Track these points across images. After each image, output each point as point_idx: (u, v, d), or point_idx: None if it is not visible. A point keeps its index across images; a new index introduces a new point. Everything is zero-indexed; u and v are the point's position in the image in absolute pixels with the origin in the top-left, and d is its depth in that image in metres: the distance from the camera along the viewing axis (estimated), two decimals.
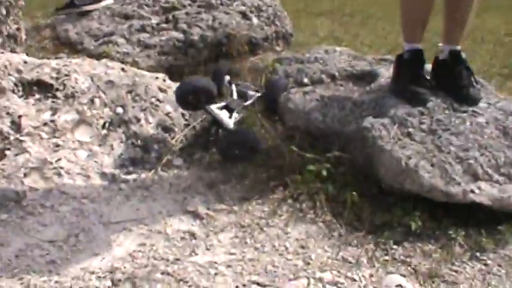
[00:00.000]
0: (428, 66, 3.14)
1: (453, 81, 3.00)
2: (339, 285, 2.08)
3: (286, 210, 2.62)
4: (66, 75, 3.17)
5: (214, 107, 3.01)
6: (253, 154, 2.88)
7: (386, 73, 3.26)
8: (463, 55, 3.04)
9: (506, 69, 5.13)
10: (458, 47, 3.04)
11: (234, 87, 3.25)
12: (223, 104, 3.05)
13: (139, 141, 3.02)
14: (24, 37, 3.75)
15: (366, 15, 7.80)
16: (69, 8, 4.31)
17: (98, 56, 3.72)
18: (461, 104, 2.94)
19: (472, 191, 2.51)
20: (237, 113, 3.07)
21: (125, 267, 2.19)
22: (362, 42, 5.93)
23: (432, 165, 2.56)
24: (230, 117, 3.02)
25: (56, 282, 2.12)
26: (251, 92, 3.26)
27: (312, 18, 7.30)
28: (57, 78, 3.15)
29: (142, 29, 4.05)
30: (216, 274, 2.17)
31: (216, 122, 3.02)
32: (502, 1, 9.47)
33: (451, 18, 3.05)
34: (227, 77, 3.31)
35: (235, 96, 3.20)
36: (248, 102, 3.20)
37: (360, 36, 6.29)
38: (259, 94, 3.26)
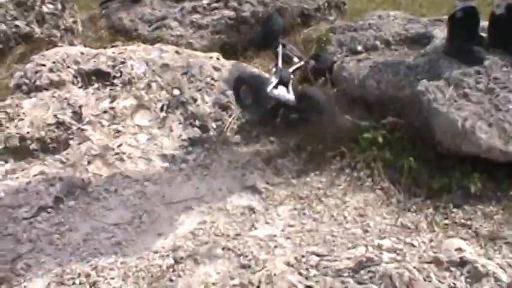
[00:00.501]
0: (485, 24, 3.08)
1: (511, 37, 2.93)
2: (398, 251, 2.07)
3: (344, 180, 2.63)
4: (122, 62, 3.25)
5: (272, 89, 3.01)
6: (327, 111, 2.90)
7: (441, 34, 3.22)
8: None
9: None
10: None
11: (280, 50, 3.22)
12: (276, 80, 3.05)
13: (197, 121, 3.07)
14: (81, 29, 3.87)
15: None
16: (113, 0, 4.40)
17: (153, 41, 3.79)
18: None
19: None
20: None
21: (187, 245, 2.25)
22: (421, 4, 5.82)
23: (490, 125, 2.52)
24: (288, 91, 3.03)
25: (122, 263, 2.20)
26: (296, 59, 3.24)
27: None
28: (113, 66, 3.23)
29: (194, 10, 4.11)
30: (275, 247, 2.20)
31: (282, 103, 3.02)
32: None
33: None
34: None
35: (280, 62, 3.18)
36: (293, 68, 3.19)
37: None
38: (303, 62, 3.24)
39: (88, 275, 2.14)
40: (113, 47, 3.67)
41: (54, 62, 3.20)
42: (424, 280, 1.90)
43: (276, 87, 3.03)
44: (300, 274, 1.96)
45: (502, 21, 2.97)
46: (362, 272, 1.92)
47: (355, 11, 4.83)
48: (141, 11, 4.19)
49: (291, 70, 3.15)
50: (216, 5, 4.11)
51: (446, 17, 3.17)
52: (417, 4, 5.77)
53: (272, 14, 3.43)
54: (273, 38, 3.20)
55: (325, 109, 2.86)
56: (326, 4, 4.18)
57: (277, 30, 3.25)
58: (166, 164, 2.85)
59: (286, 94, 3.01)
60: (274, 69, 3.12)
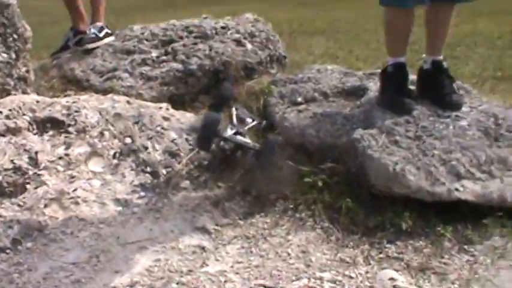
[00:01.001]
0: (414, 77, 3.37)
1: (436, 90, 3.23)
2: (338, 282, 2.29)
3: (287, 220, 2.84)
4: (76, 111, 3.41)
5: (231, 135, 3.21)
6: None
7: (374, 87, 3.49)
8: (445, 64, 3.28)
9: (499, 72, 5.33)
10: (441, 57, 3.27)
11: (234, 111, 3.46)
12: (234, 130, 3.26)
13: (148, 168, 3.24)
14: (33, 78, 3.98)
15: (359, 30, 8.03)
16: (64, 51, 4.55)
17: (104, 91, 3.94)
18: (444, 110, 3.17)
19: (457, 189, 2.75)
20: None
21: (143, 281, 2.41)
22: (357, 57, 6.14)
23: (418, 168, 2.79)
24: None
25: None
26: (249, 119, 3.47)
27: (307, 38, 7.52)
28: (68, 115, 3.38)
29: (144, 63, 4.28)
30: (225, 281, 2.39)
31: (240, 146, 3.22)
32: (492, 5, 9.69)
33: (432, 32, 3.29)
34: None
35: (235, 120, 3.41)
36: (247, 127, 3.41)
37: (355, 51, 6.51)
38: (256, 122, 3.47)
39: None
40: (65, 96, 3.82)
41: (10, 110, 3.33)
42: None
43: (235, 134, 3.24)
44: None
45: (429, 75, 3.27)
46: None
47: (295, 63, 5.08)
48: (92, 62, 4.34)
49: (246, 128, 3.38)
50: (164, 57, 4.30)
51: (379, 70, 3.45)
52: (353, 58, 6.09)
53: (223, 82, 3.65)
54: (225, 103, 3.41)
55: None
56: (268, 58, 4.41)
57: (228, 96, 3.47)
58: (120, 208, 3.00)
59: (244, 139, 3.22)
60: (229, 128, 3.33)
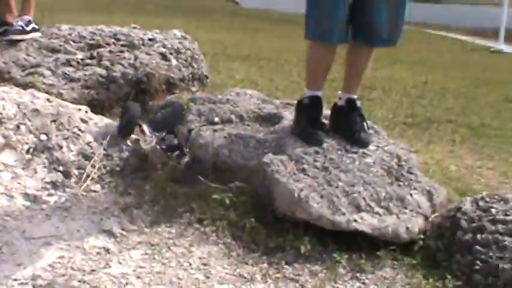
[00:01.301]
0: (327, 112, 3.54)
1: (347, 126, 3.41)
2: None
3: (192, 233, 2.93)
4: None
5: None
6: None
7: (290, 116, 3.63)
8: (358, 103, 3.46)
9: (410, 118, 5.60)
10: (355, 96, 3.45)
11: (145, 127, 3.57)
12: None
13: (61, 167, 3.27)
14: None
15: (282, 61, 8.23)
16: None
17: (25, 86, 3.93)
18: (352, 146, 3.35)
19: (355, 221, 2.91)
20: None
21: (45, 275, 2.45)
22: (277, 87, 6.29)
23: (321, 197, 2.94)
24: None
25: None
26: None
27: (230, 62, 7.65)
28: None
29: (68, 63, 4.30)
30: (127, 284, 2.46)
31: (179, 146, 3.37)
32: (409, 56, 10.14)
33: (349, 71, 3.48)
34: None
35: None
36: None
37: (275, 81, 6.67)
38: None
39: None
40: None
41: None
42: None
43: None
44: None
45: (342, 111, 3.45)
46: None
47: (215, 85, 5.21)
48: (15, 55, 4.31)
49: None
50: (89, 61, 4.34)
51: (296, 101, 3.60)
52: (273, 87, 6.24)
53: (129, 104, 3.74)
54: (133, 124, 3.56)
55: None
56: (190, 76, 4.52)
57: (136, 117, 3.61)
58: (28, 203, 3.02)
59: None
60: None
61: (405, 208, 3.04)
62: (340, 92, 3.50)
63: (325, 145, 3.30)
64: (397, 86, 7.25)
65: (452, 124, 5.59)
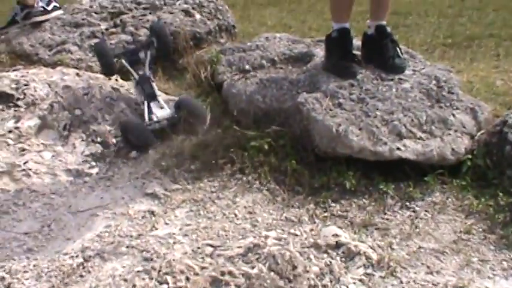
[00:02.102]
0: (358, 43, 3.44)
1: (380, 54, 3.31)
2: (282, 240, 2.37)
3: (235, 184, 2.91)
4: (25, 84, 3.42)
5: (150, 123, 3.35)
6: None
7: (321, 53, 3.55)
8: (388, 29, 3.34)
9: (449, 39, 5.41)
10: (384, 22, 3.34)
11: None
12: (146, 103, 3.41)
13: (98, 138, 3.28)
14: None
15: (313, 0, 8.07)
16: (12, 25, 4.53)
17: (54, 65, 3.95)
18: (388, 73, 3.25)
19: (398, 148, 2.83)
20: None
21: (94, 246, 2.47)
22: (310, 27, 6.16)
23: (360, 129, 2.87)
24: (160, 105, 3.43)
25: (34, 266, 2.39)
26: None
27: (260, 9, 7.52)
28: (17, 89, 3.40)
29: (93, 35, 4.28)
30: (174, 243, 2.45)
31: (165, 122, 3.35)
32: None
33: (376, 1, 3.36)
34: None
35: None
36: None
37: (308, 21, 6.54)
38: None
39: (3, 278, 2.32)
40: (14, 70, 3.82)
41: None
42: (304, 260, 2.21)
43: (150, 112, 3.34)
44: (196, 259, 2.23)
45: (372, 40, 3.34)
46: (250, 254, 2.21)
47: (247, 34, 5.12)
48: (41, 36, 4.33)
49: (147, 72, 3.53)
50: (113, 30, 4.32)
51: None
52: (306, 27, 6.13)
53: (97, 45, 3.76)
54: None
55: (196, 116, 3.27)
56: (217, 28, 4.45)
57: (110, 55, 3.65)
58: (71, 178, 3.05)
59: (160, 111, 3.34)
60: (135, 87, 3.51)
61: (449, 129, 2.95)
62: (368, 21, 3.39)
63: (359, 76, 3.23)
64: (432, 8, 7.01)
65: (495, 38, 5.36)
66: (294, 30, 5.48)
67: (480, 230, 2.55)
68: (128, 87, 3.57)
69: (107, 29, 4.34)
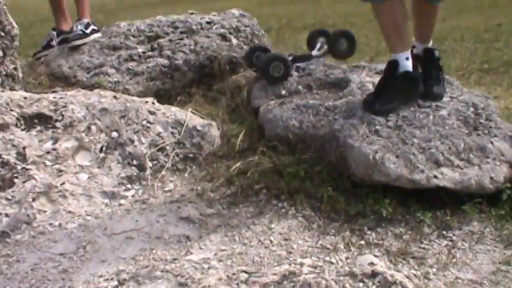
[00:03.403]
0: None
1: (423, 77, 3.26)
2: (318, 267, 2.35)
3: (270, 209, 2.90)
4: (64, 106, 3.46)
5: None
6: None
7: (357, 78, 3.55)
8: (437, 53, 3.31)
9: (486, 64, 5.39)
10: (430, 44, 3.30)
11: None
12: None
13: (134, 161, 3.29)
14: (21, 75, 4.03)
15: (348, 25, 8.08)
16: (47, 50, 4.61)
17: (91, 87, 3.99)
18: (425, 99, 3.22)
19: (436, 177, 2.81)
20: None
21: (129, 269, 2.47)
22: None
23: (397, 156, 2.85)
24: None
25: (69, 287, 2.40)
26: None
27: (295, 33, 7.58)
28: (55, 110, 3.43)
29: (130, 58, 4.34)
30: (209, 268, 2.45)
31: None
32: (481, 1, 9.75)
33: (419, 21, 3.32)
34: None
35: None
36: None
37: None
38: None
39: None
40: (53, 92, 3.87)
41: None
42: None
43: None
44: (231, 286, 2.22)
45: (418, 59, 3.28)
46: (285, 282, 2.20)
47: None
48: (79, 59, 4.39)
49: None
50: (150, 53, 4.37)
51: (363, 62, 3.50)
52: None
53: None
54: None
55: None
56: None
57: None
58: (107, 200, 3.06)
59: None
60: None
61: (487, 157, 2.91)
62: (414, 40, 3.36)
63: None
64: (468, 33, 6.99)
65: None
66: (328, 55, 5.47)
67: None
68: (164, 111, 3.58)
69: (144, 52, 4.39)
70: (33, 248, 2.70)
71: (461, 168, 2.86)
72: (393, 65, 3.11)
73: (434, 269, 2.46)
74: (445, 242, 2.64)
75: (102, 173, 3.22)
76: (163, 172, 3.27)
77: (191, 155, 3.38)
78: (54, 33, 4.60)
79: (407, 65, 3.10)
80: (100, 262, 2.57)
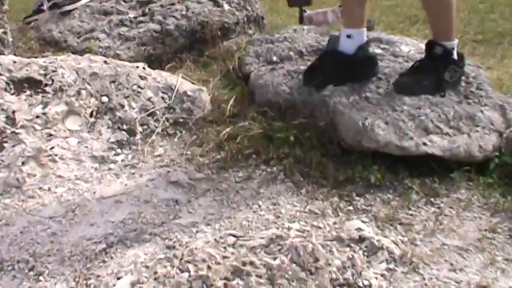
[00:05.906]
0: None
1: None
2: (305, 232, 2.35)
3: (259, 174, 2.90)
4: (54, 71, 3.43)
5: None
6: None
7: None
8: (437, 49, 3.14)
9: (480, 35, 5.37)
10: (437, 41, 3.17)
11: None
12: None
13: (124, 126, 3.29)
14: (10, 39, 4.00)
15: None
16: (37, 14, 4.57)
17: (82, 52, 3.97)
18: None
19: (425, 144, 2.81)
20: None
21: (117, 232, 2.48)
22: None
23: (386, 123, 2.85)
24: None
25: (58, 250, 2.40)
26: None
27: None
28: (45, 75, 3.41)
29: (121, 23, 4.31)
30: (197, 232, 2.46)
31: None
32: None
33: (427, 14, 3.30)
34: None
35: None
36: None
37: None
38: None
39: (27, 261, 2.34)
40: (43, 57, 3.85)
41: None
42: (327, 253, 2.20)
43: None
44: (219, 249, 2.23)
45: None
46: (272, 245, 2.21)
47: (276, 26, 5.12)
48: (70, 24, 4.36)
49: None
50: (142, 18, 4.34)
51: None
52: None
53: None
54: None
55: None
56: (245, 18, 4.46)
57: None
58: (97, 165, 3.06)
59: None
60: None
61: (476, 126, 2.92)
62: None
63: (386, 70, 3.20)
64: (463, 3, 6.93)
65: None
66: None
67: (506, 228, 2.51)
68: (155, 76, 3.57)
69: (135, 18, 4.36)
70: (22, 211, 2.70)
71: (451, 136, 2.86)
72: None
73: (421, 235, 2.47)
74: (433, 209, 2.65)
75: (92, 137, 3.21)
76: (153, 137, 3.27)
77: (181, 120, 3.37)
78: None
79: (344, 44, 3.13)
80: (89, 225, 2.57)
